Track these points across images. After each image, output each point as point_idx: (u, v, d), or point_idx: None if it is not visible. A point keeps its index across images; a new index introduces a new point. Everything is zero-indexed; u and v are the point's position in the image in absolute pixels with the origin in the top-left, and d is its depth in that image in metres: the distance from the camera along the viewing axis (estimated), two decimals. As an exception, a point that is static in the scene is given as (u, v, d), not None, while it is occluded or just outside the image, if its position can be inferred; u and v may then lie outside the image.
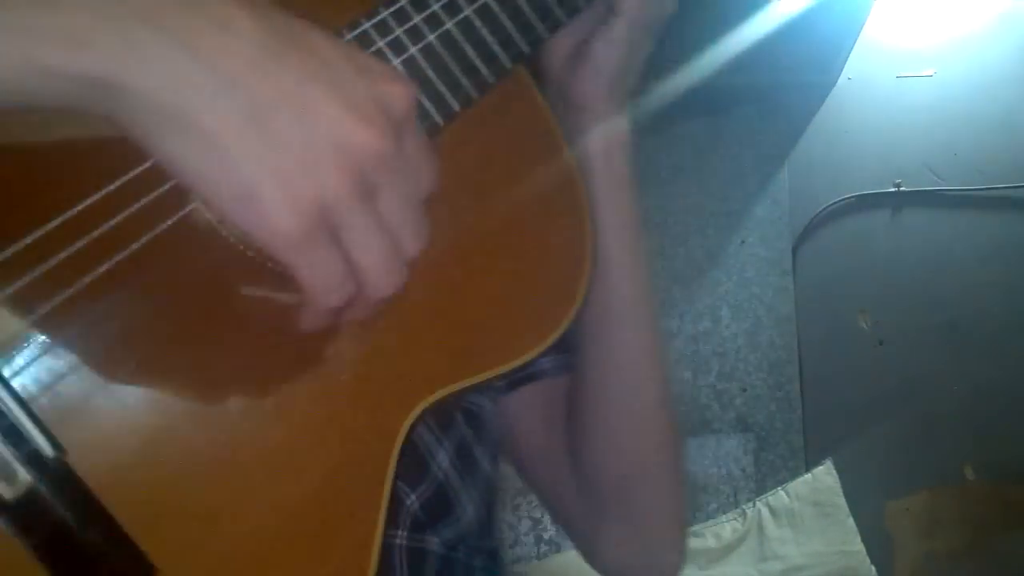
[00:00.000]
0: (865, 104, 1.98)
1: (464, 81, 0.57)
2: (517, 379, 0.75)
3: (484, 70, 0.58)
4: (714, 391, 1.89)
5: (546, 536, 1.74)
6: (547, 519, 1.74)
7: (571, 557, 1.70)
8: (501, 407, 0.76)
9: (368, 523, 0.51)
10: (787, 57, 1.93)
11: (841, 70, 1.98)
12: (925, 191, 1.92)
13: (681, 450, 0.74)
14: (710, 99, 1.91)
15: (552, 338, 0.59)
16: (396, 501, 0.54)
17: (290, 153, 0.40)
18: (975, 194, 1.91)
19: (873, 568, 1.67)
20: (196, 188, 0.40)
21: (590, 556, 0.77)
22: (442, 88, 0.56)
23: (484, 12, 0.58)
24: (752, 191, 1.95)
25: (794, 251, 1.93)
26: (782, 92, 1.98)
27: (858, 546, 1.68)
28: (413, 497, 0.64)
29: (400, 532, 0.63)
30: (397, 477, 0.54)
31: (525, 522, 1.73)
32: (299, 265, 0.42)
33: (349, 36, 0.54)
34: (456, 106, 0.57)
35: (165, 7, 0.39)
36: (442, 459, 0.67)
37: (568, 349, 0.74)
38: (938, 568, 1.73)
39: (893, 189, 1.93)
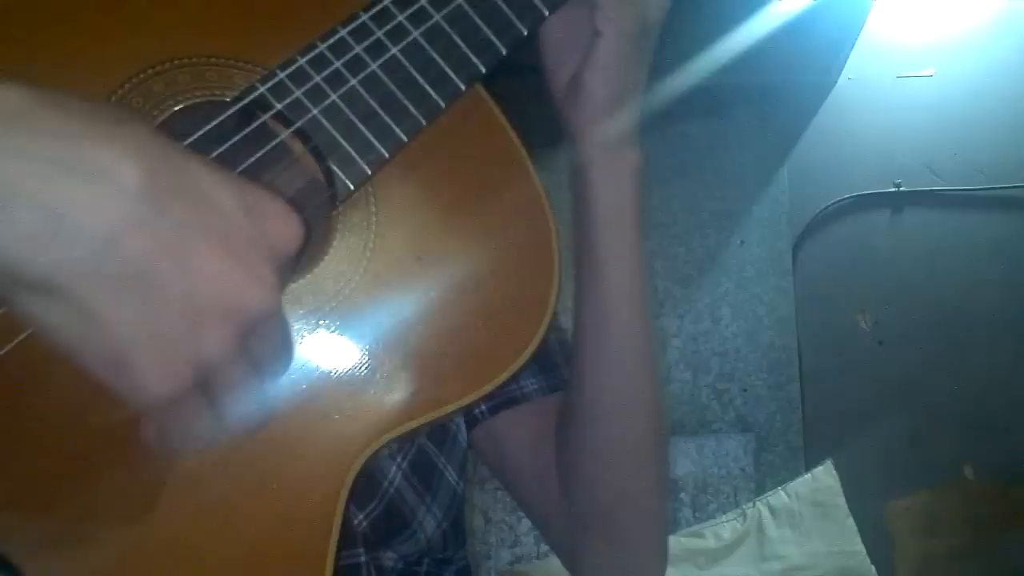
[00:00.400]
0: (865, 104, 1.98)
1: (426, 96, 0.56)
2: (498, 403, 0.74)
3: (434, 93, 0.56)
4: (714, 391, 1.89)
5: (546, 536, 1.74)
6: (547, 519, 1.74)
7: (571, 557, 1.70)
8: (486, 428, 0.75)
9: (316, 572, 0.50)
10: (787, 57, 1.93)
11: (841, 70, 1.98)
12: (925, 191, 1.92)
13: (667, 466, 0.73)
14: (710, 99, 1.91)
15: (514, 367, 0.57)
16: (345, 521, 0.53)
17: (168, 315, 0.37)
18: (975, 194, 1.91)
19: (873, 568, 1.67)
20: (61, 349, 0.37)
21: (574, 572, 0.76)
22: (405, 102, 0.55)
23: (434, 34, 0.57)
24: (752, 191, 1.95)
25: (794, 251, 1.93)
26: (782, 92, 1.98)
27: (858, 546, 1.68)
28: (360, 517, 0.64)
29: (360, 551, 0.63)
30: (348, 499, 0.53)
31: (525, 522, 1.73)
32: (162, 419, 0.40)
33: (320, 47, 0.53)
34: (423, 121, 0.56)
35: (33, 157, 0.34)
36: (394, 475, 0.66)
37: (551, 368, 0.74)
38: (938, 568, 1.73)
39: (893, 189, 1.93)
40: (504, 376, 0.56)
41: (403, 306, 0.55)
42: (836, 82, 2.00)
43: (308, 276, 0.53)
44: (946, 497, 1.77)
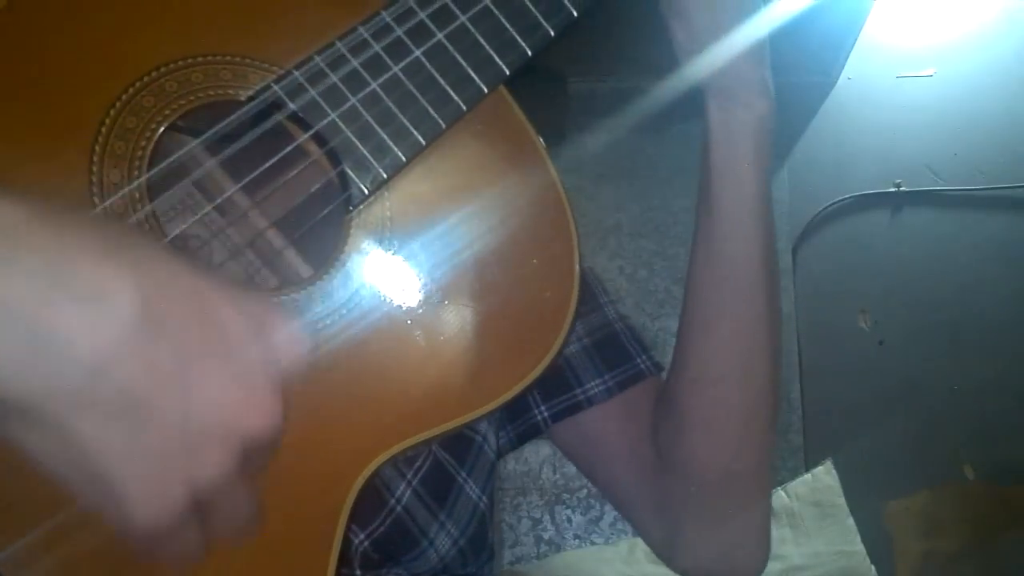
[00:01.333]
0: (865, 104, 1.98)
1: (450, 98, 0.54)
2: (559, 410, 0.71)
3: (456, 95, 0.55)
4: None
5: (546, 536, 1.74)
6: (547, 519, 1.74)
7: (571, 557, 1.70)
8: (563, 432, 0.72)
9: None
10: (787, 57, 1.93)
11: (841, 70, 1.98)
12: (925, 191, 1.92)
13: (774, 445, 0.69)
14: (710, 99, 1.90)
15: (533, 376, 0.55)
16: (344, 541, 0.51)
17: (161, 445, 0.35)
18: (975, 194, 1.91)
19: (873, 568, 1.67)
20: (46, 474, 0.35)
21: (670, 559, 0.73)
22: (426, 104, 0.54)
23: (459, 36, 0.55)
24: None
25: (794, 251, 1.93)
26: (782, 92, 1.97)
27: (858, 546, 1.68)
28: (362, 536, 0.61)
29: (357, 573, 0.60)
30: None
31: (525, 522, 1.73)
32: (151, 547, 0.38)
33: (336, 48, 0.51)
34: (443, 123, 0.54)
35: (25, 274, 0.33)
36: (402, 492, 0.63)
37: (622, 360, 0.71)
38: (938, 568, 1.73)
39: (893, 189, 1.93)
40: (513, 392, 0.54)
41: (415, 316, 0.53)
42: (836, 82, 2.00)
43: (319, 282, 0.52)
44: (946, 497, 1.77)
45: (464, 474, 0.67)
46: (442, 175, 0.56)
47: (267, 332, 0.38)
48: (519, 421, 0.72)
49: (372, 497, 0.59)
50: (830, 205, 1.94)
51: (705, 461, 0.67)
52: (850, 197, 1.93)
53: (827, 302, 1.91)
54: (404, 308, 0.53)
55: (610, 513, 1.73)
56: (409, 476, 0.63)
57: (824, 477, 1.75)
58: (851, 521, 1.71)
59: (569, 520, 1.73)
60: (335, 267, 0.53)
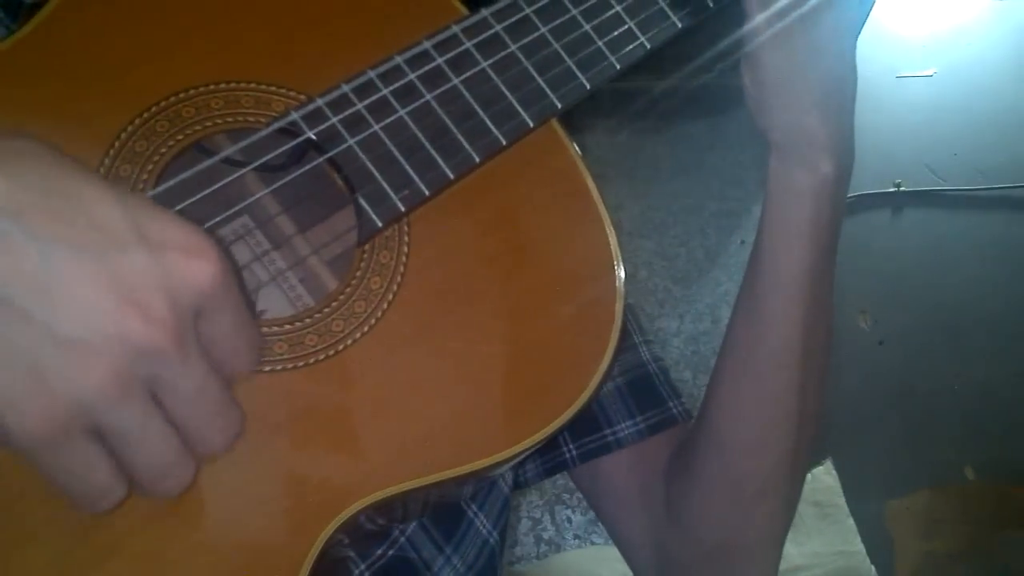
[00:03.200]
0: (865, 104, 1.97)
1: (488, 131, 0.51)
2: (588, 450, 0.67)
3: (495, 129, 0.51)
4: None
5: (546, 536, 1.74)
6: (547, 519, 1.74)
7: (571, 557, 1.70)
8: (584, 471, 0.69)
9: None
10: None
11: (841, 70, 1.98)
12: (925, 191, 1.92)
13: (792, 515, 0.64)
14: (710, 99, 1.91)
15: (555, 427, 0.50)
16: (342, 570, 0.49)
17: (30, 346, 0.33)
18: (975, 194, 1.91)
19: (873, 568, 1.67)
20: None
21: None
22: (459, 137, 0.50)
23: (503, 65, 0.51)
24: (752, 191, 1.95)
25: (794, 251, 1.93)
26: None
27: (858, 546, 1.68)
28: (363, 567, 0.57)
29: None
30: (347, 545, 0.50)
31: (525, 522, 1.73)
32: (47, 469, 0.35)
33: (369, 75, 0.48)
34: (476, 158, 0.50)
35: None
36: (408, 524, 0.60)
37: (655, 403, 0.68)
38: (938, 568, 1.73)
39: (893, 189, 1.93)
40: (521, 448, 0.50)
41: (417, 360, 0.50)
42: (836, 82, 2.00)
43: (317, 315, 0.50)
44: (946, 497, 1.77)
45: (475, 508, 0.64)
46: (472, 216, 0.52)
47: (168, 245, 0.35)
48: (547, 457, 0.69)
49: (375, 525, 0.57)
50: (830, 205, 1.94)
51: (712, 527, 0.63)
52: (850, 197, 1.93)
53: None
54: (407, 352, 0.50)
55: (610, 513, 1.73)
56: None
57: (824, 477, 1.75)
58: (851, 521, 1.70)
59: (569, 520, 1.73)
60: (337, 301, 0.50)
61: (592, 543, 1.72)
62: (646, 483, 0.67)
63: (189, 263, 0.35)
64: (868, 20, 1.89)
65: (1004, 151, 1.92)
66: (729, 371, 0.61)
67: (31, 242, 0.33)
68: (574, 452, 0.68)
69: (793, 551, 1.68)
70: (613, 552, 1.78)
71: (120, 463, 0.37)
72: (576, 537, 1.73)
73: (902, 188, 1.92)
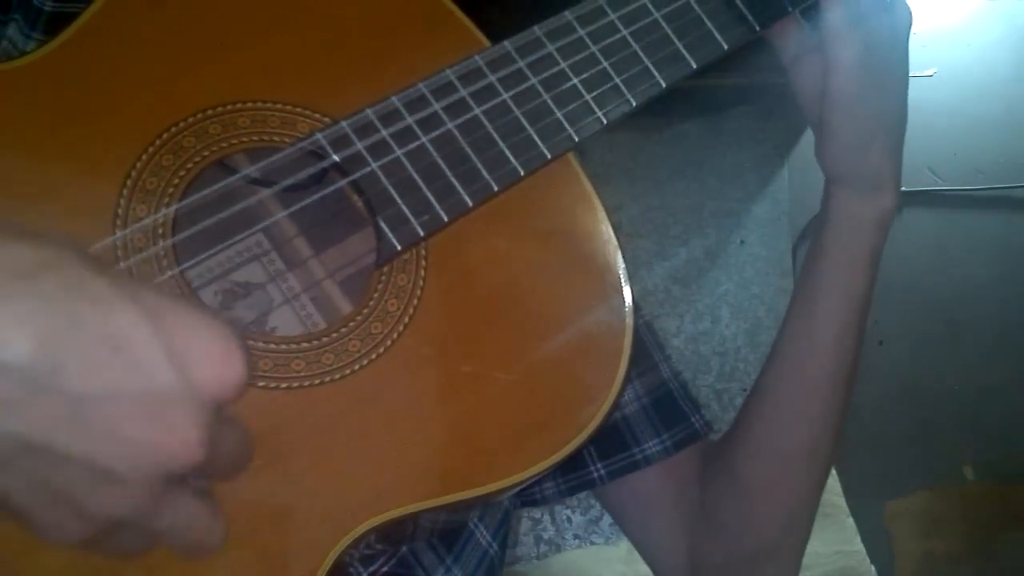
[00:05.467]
0: (865, 104, 1.98)
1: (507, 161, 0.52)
2: (616, 468, 0.69)
3: (514, 159, 0.52)
4: (714, 391, 1.88)
5: (546, 536, 1.74)
6: (547, 519, 1.74)
7: (571, 557, 1.70)
8: (609, 490, 0.71)
9: None
10: (787, 57, 1.93)
11: (841, 70, 1.98)
12: (925, 191, 1.92)
13: (813, 522, 0.69)
14: (710, 99, 1.90)
15: (568, 451, 0.51)
16: None
17: (70, 484, 0.35)
18: (975, 194, 1.91)
19: (873, 568, 1.67)
20: None
21: None
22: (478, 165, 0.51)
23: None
24: (752, 191, 1.95)
25: (794, 251, 1.93)
26: (782, 92, 1.97)
27: (858, 546, 1.68)
28: (365, 575, 0.59)
29: None
30: (352, 558, 0.50)
31: (525, 522, 1.73)
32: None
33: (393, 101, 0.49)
34: (495, 187, 0.52)
35: None
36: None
37: (677, 420, 0.70)
38: (938, 568, 1.73)
39: (893, 189, 1.93)
40: (532, 472, 0.50)
41: (431, 383, 0.51)
42: (836, 82, 2.00)
43: (334, 334, 0.51)
44: (946, 497, 1.77)
45: (475, 519, 0.66)
46: (489, 244, 0.53)
47: (195, 358, 0.36)
48: (573, 476, 0.71)
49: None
50: (830, 205, 1.94)
51: (757, 529, 0.66)
52: (850, 197, 1.94)
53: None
54: (421, 375, 0.51)
55: (610, 513, 1.73)
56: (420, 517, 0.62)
57: (824, 477, 1.75)
58: (851, 521, 1.70)
59: (569, 520, 1.73)
60: (354, 322, 0.51)
61: (592, 543, 1.72)
62: (679, 491, 0.70)
63: (219, 374, 0.37)
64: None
65: (1004, 151, 1.92)
66: (780, 388, 0.64)
67: (62, 397, 0.34)
68: (602, 471, 0.69)
69: (793, 551, 1.68)
70: (613, 552, 1.78)
71: (153, 537, 0.39)
72: (576, 537, 1.73)
73: (902, 188, 1.92)
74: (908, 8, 0.57)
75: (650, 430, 0.69)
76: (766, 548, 0.67)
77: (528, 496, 0.73)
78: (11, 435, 0.34)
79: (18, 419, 0.33)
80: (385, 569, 0.60)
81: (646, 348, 0.71)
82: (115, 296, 0.35)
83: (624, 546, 1.68)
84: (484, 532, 0.67)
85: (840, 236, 0.60)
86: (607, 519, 1.73)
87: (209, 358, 0.37)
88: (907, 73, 0.59)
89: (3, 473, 0.35)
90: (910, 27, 0.57)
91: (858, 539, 1.69)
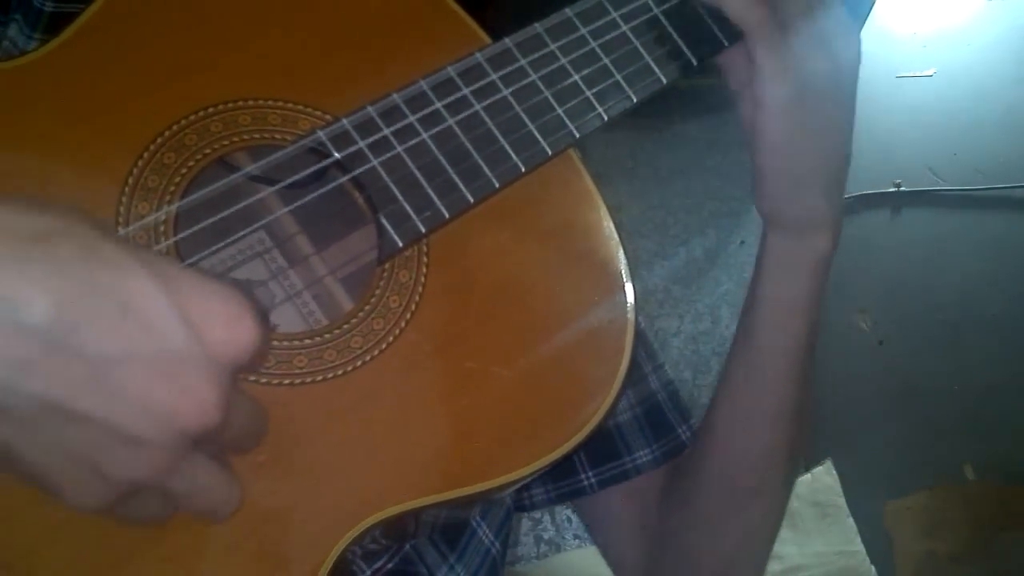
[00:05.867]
0: (865, 104, 1.97)
1: (508, 156, 0.52)
2: (609, 477, 0.68)
3: (515, 155, 0.52)
4: (714, 391, 1.88)
5: (546, 536, 1.74)
6: (547, 519, 1.74)
7: (571, 557, 1.70)
8: (591, 499, 0.71)
9: None
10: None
11: (841, 70, 1.98)
12: (925, 191, 1.92)
13: (766, 562, 0.68)
14: (710, 99, 1.91)
15: (569, 448, 0.51)
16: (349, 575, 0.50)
17: (88, 445, 0.35)
18: (975, 194, 1.91)
19: (873, 568, 1.67)
20: None
21: None
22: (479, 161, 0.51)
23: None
24: (752, 191, 1.95)
25: (794, 251, 1.93)
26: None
27: (858, 546, 1.68)
28: (368, 573, 0.58)
29: None
30: (354, 555, 0.50)
31: (525, 522, 1.73)
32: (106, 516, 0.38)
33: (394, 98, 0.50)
34: (495, 183, 0.52)
35: None
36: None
37: (666, 431, 0.69)
38: (938, 568, 1.73)
39: (893, 189, 1.93)
40: (533, 468, 0.51)
41: (433, 379, 0.51)
42: (836, 82, 2.00)
43: (337, 331, 0.51)
44: (946, 497, 1.77)
45: (478, 518, 0.66)
46: (489, 239, 0.53)
47: (209, 322, 0.37)
48: (563, 483, 0.70)
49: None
50: (830, 205, 1.94)
51: (707, 561, 0.66)
52: (850, 197, 1.94)
53: (827, 302, 1.91)
54: (424, 370, 0.51)
55: (610, 513, 1.73)
56: (422, 515, 0.62)
57: (824, 477, 1.75)
58: (851, 521, 1.70)
59: (569, 520, 1.73)
60: (356, 318, 0.51)
61: (592, 543, 1.72)
62: (643, 512, 0.69)
63: (231, 335, 0.37)
64: (868, 21, 1.89)
65: (1004, 151, 1.92)
66: (725, 426, 0.63)
67: (81, 357, 0.34)
68: (593, 480, 0.69)
69: (793, 551, 1.68)
70: (613, 552, 1.76)
71: (172, 502, 0.40)
72: (576, 537, 1.73)
73: (902, 188, 1.92)
74: (857, 47, 0.54)
75: (641, 440, 0.69)
76: (727, 566, 0.66)
77: (517, 501, 0.72)
78: (29, 395, 0.34)
79: (36, 379, 0.34)
80: (389, 567, 0.60)
81: (637, 358, 0.70)
82: (127, 260, 0.36)
83: (624, 546, 1.68)
84: (487, 531, 0.66)
85: (773, 280, 0.58)
86: (607, 519, 1.73)
87: (221, 319, 0.37)
88: (851, 113, 0.55)
89: (22, 434, 0.35)
90: (857, 66, 0.54)
91: (858, 539, 1.69)
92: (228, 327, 0.37)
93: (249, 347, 0.37)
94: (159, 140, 0.50)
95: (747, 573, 0.68)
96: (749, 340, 0.61)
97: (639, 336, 0.71)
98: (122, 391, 0.35)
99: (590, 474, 0.69)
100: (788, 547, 1.68)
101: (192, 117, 0.51)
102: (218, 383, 0.37)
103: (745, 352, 0.61)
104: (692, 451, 0.68)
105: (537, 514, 1.73)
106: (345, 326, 0.51)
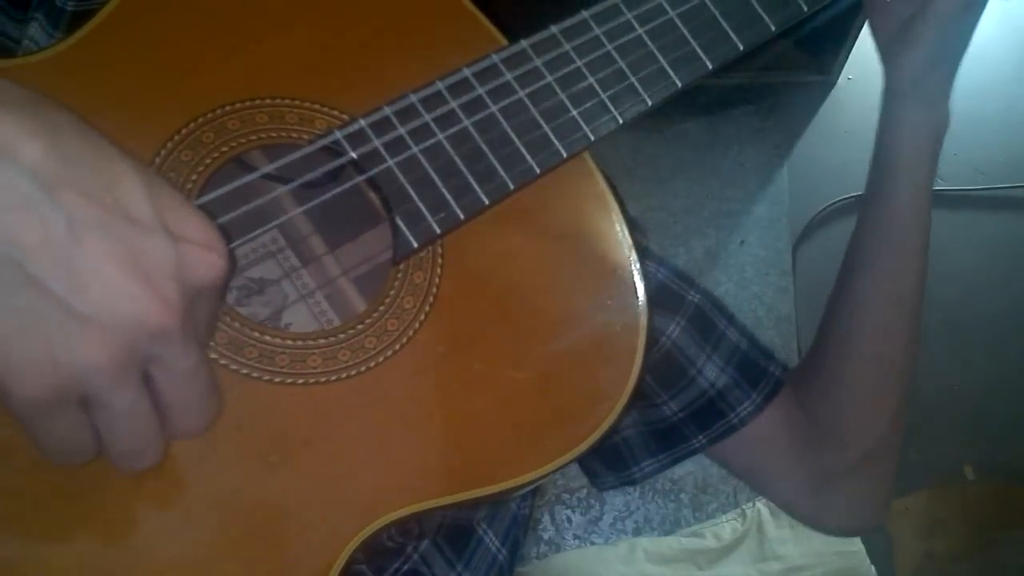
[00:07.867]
0: (865, 104, 1.98)
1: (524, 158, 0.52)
2: (717, 435, 0.73)
3: (530, 157, 0.52)
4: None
5: (546, 536, 1.74)
6: (547, 519, 1.74)
7: (571, 557, 1.70)
8: (717, 451, 0.75)
9: None
10: (787, 57, 1.93)
11: (841, 70, 1.98)
12: (925, 191, 1.92)
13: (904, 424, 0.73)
14: (710, 99, 1.91)
15: (579, 452, 0.51)
16: None
17: (41, 312, 0.33)
18: (975, 194, 1.91)
19: (873, 568, 1.67)
20: None
21: (817, 523, 0.77)
22: (495, 162, 0.52)
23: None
24: (752, 191, 1.95)
25: (794, 251, 1.93)
26: (782, 92, 1.98)
27: (858, 546, 1.68)
28: None
29: None
30: (363, 561, 0.51)
31: (525, 522, 1.73)
32: (32, 430, 0.37)
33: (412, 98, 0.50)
34: (511, 184, 0.52)
35: None
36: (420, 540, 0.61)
37: (759, 376, 0.73)
38: (938, 568, 1.73)
39: (893, 189, 1.92)
40: (543, 472, 0.50)
41: (446, 381, 0.51)
42: (836, 82, 2.00)
43: (351, 331, 0.51)
44: (946, 497, 1.77)
45: (484, 525, 0.66)
46: (505, 241, 0.53)
47: (185, 235, 0.36)
48: (676, 448, 0.74)
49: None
50: (830, 205, 1.94)
51: (869, 429, 0.71)
52: (850, 197, 1.93)
53: (827, 302, 1.91)
54: (436, 371, 0.51)
55: (610, 513, 1.73)
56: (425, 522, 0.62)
57: (824, 477, 1.75)
58: (851, 521, 1.70)
59: (569, 520, 1.73)
60: (371, 319, 0.51)
61: (592, 543, 1.72)
62: (788, 426, 0.74)
63: (202, 256, 0.37)
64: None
65: (1004, 151, 1.92)
66: (852, 315, 0.69)
67: (59, 214, 0.34)
68: (703, 440, 0.73)
69: (793, 551, 1.68)
70: (613, 552, 1.78)
71: (99, 434, 0.38)
72: (576, 537, 1.73)
73: (902, 188, 1.92)
74: None
75: (740, 394, 0.72)
76: (880, 443, 0.72)
77: (626, 476, 0.75)
78: (4, 239, 0.33)
79: (11, 223, 0.33)
80: (397, 575, 0.60)
81: (709, 320, 0.74)
82: (119, 156, 0.36)
83: (624, 546, 1.68)
84: (493, 538, 0.66)
85: (909, 147, 0.63)
86: (607, 519, 1.73)
87: (197, 238, 0.37)
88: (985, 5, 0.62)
89: None
90: None
91: (858, 539, 1.69)
92: (201, 247, 0.37)
93: (215, 273, 0.37)
94: (176, 137, 0.50)
95: (899, 435, 0.73)
96: (881, 205, 0.66)
97: (708, 298, 0.75)
98: (84, 262, 0.34)
99: (700, 437, 0.73)
100: (788, 547, 1.68)
101: (209, 115, 0.51)
102: (181, 290, 0.36)
103: (884, 221, 0.66)
104: (817, 352, 0.72)
105: (537, 514, 1.73)
106: (359, 326, 0.51)
